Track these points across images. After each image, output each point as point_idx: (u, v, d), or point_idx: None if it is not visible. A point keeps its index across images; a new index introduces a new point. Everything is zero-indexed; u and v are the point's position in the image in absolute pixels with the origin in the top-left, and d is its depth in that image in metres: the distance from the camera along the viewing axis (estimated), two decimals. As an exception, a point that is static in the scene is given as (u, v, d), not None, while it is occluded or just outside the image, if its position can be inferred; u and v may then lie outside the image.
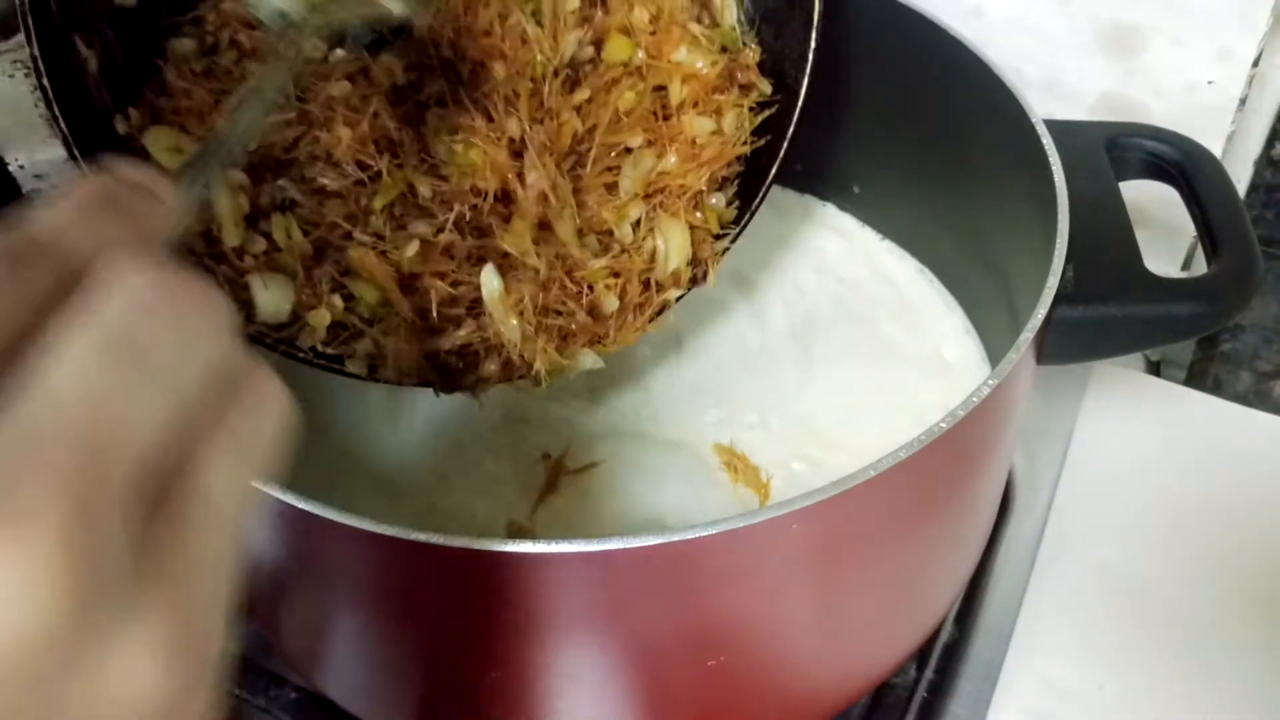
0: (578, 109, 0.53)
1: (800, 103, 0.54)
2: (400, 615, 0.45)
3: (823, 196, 0.72)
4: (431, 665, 0.47)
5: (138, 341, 0.21)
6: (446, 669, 0.47)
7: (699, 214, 0.54)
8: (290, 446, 0.25)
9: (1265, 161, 0.70)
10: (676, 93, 0.55)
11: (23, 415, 0.19)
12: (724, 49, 0.57)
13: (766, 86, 0.56)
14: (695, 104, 0.55)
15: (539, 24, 0.53)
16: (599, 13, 0.55)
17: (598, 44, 0.55)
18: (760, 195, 0.55)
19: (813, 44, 0.54)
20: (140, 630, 0.20)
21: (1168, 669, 0.56)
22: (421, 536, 0.38)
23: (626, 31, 0.55)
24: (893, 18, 0.61)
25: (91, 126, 0.47)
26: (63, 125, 0.45)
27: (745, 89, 0.56)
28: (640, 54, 0.54)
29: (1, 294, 0.21)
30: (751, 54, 0.56)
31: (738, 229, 0.55)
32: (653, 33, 0.55)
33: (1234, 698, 0.55)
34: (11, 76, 0.49)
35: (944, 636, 0.58)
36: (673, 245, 0.53)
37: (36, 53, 0.44)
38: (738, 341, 0.65)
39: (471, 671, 0.45)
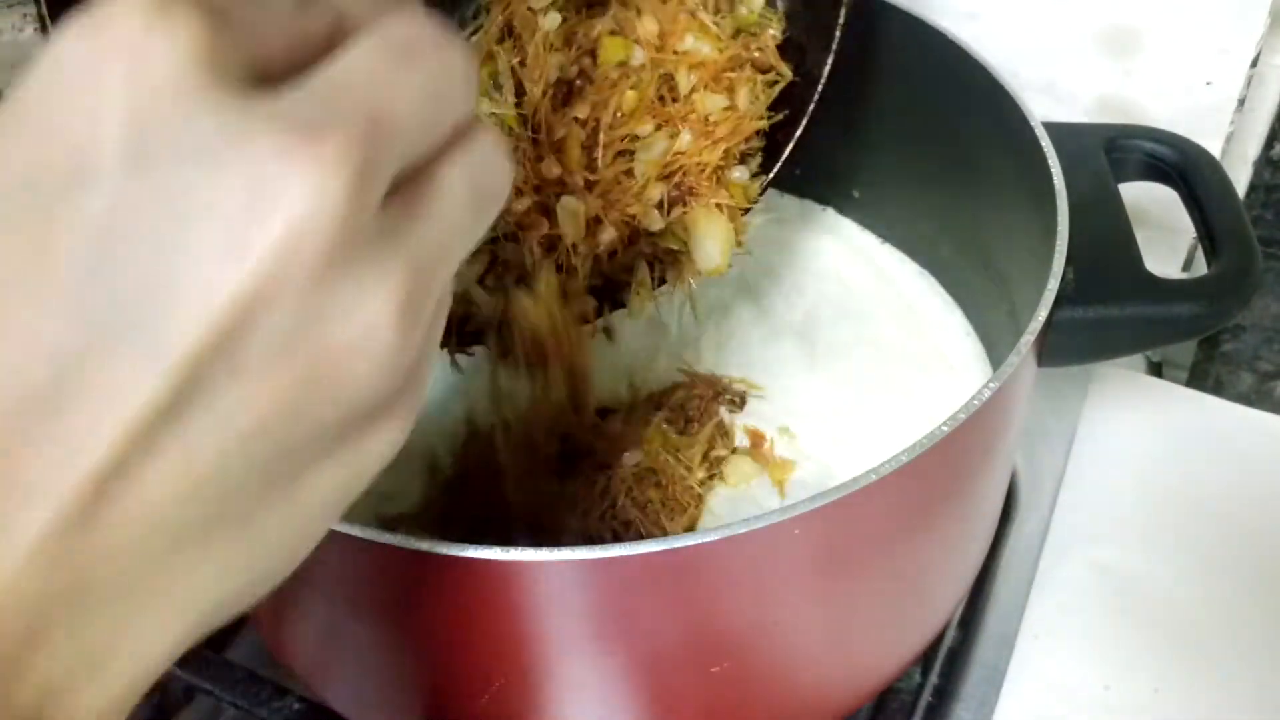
0: (577, 119, 0.53)
1: (822, 82, 0.53)
2: (402, 624, 0.45)
3: (822, 201, 0.72)
4: (434, 674, 0.47)
5: (413, 55, 0.25)
6: (450, 677, 0.46)
7: (724, 192, 0.53)
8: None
9: (1264, 161, 0.70)
10: (685, 82, 0.54)
11: (326, 79, 0.23)
12: (739, 32, 0.55)
13: (787, 71, 0.55)
14: (705, 85, 0.54)
15: (497, 84, 0.52)
16: (582, 29, 0.53)
17: (592, 52, 0.53)
18: (774, 169, 0.54)
19: (841, 19, 0.53)
20: (380, 280, 0.23)
21: (1173, 669, 0.56)
22: (423, 545, 0.38)
23: (618, 31, 0.54)
24: (889, 21, 0.61)
25: None
26: None
27: (763, 70, 0.55)
28: (639, 52, 0.53)
29: (291, 20, 0.24)
30: (772, 36, 0.55)
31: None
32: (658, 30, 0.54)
33: (1240, 697, 0.55)
34: (21, 31, 0.49)
35: (948, 640, 0.58)
36: (710, 239, 0.53)
37: (44, 11, 0.45)
38: (744, 345, 0.64)
39: (475, 680, 0.45)
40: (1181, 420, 0.68)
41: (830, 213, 0.72)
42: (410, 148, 0.24)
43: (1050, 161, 0.52)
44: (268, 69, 0.23)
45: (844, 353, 0.64)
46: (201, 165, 0.21)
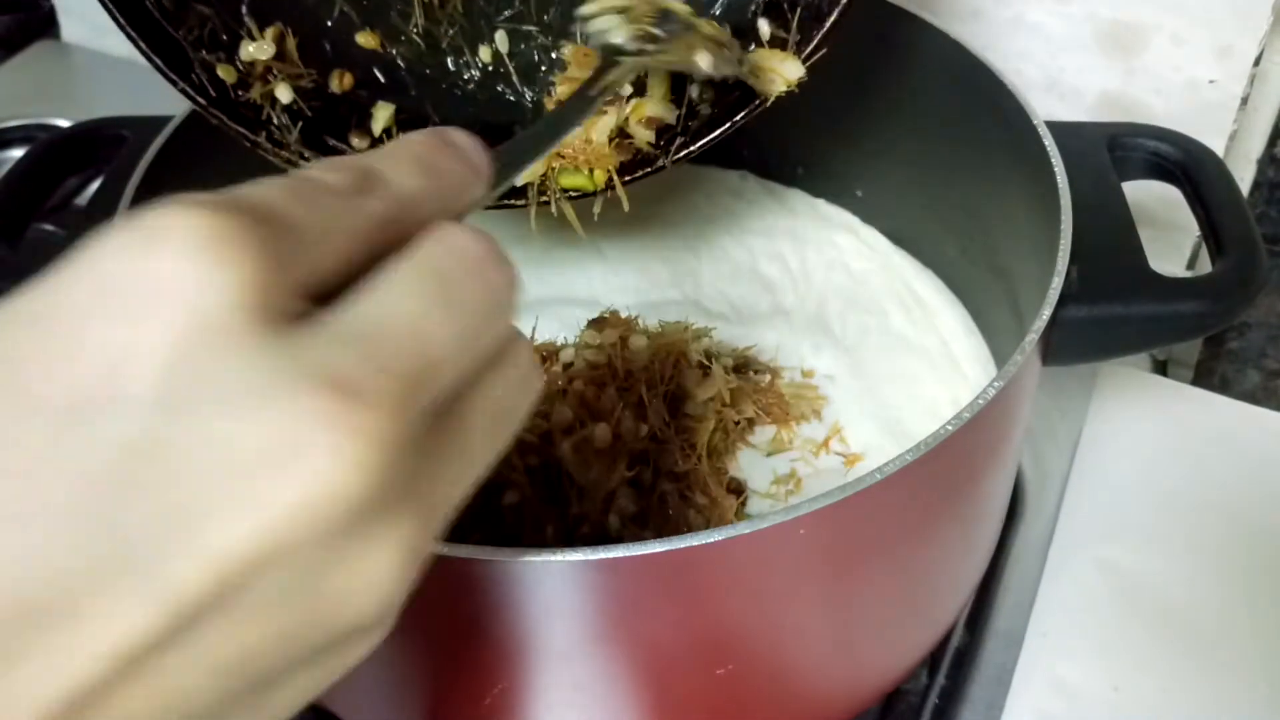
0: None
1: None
2: (404, 625, 0.44)
3: (826, 198, 0.72)
4: (437, 676, 0.47)
5: (456, 291, 0.25)
6: (452, 680, 0.46)
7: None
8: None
9: (1268, 159, 0.70)
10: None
11: (362, 321, 0.23)
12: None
13: None
14: None
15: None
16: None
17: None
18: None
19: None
20: (391, 536, 0.23)
21: (1181, 669, 0.56)
22: (426, 548, 0.38)
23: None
24: (891, 21, 0.61)
25: None
26: None
27: None
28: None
29: (347, 210, 0.25)
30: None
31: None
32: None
33: (1249, 697, 0.55)
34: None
35: (955, 641, 0.58)
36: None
37: None
38: (764, 337, 0.64)
39: (478, 682, 0.45)
40: (1187, 419, 0.68)
41: (836, 208, 0.72)
42: (449, 386, 0.24)
43: (1053, 160, 0.51)
44: (320, 280, 0.23)
45: (854, 343, 0.64)
46: (234, 415, 0.21)
